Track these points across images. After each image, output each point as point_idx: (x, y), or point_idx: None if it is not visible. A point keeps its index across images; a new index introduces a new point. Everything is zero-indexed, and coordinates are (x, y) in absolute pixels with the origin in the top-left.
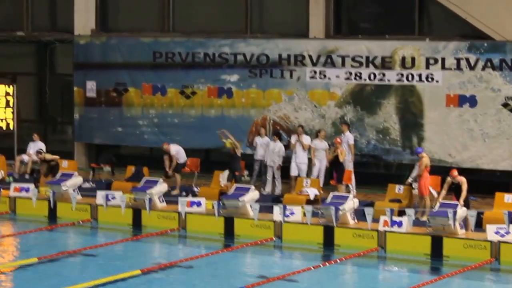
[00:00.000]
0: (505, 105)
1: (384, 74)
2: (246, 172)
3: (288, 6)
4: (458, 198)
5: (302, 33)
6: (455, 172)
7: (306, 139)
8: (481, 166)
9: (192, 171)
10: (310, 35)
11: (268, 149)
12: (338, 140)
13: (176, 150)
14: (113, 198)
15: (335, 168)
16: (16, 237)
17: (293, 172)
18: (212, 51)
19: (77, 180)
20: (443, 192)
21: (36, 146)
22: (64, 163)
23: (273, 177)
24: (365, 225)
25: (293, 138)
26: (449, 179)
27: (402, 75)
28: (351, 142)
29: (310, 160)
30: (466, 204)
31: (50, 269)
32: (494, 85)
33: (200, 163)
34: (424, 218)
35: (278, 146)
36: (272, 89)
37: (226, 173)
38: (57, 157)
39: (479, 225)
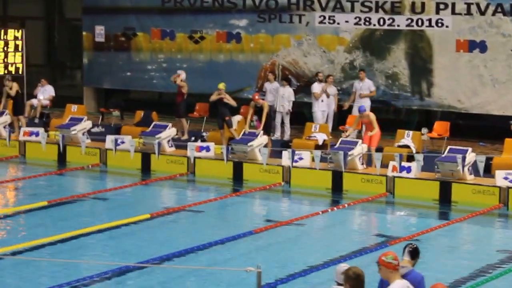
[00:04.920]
0: None
1: (393, 19)
2: (255, 117)
3: None
4: None
5: None
6: None
7: (331, 89)
8: (491, 112)
9: (201, 116)
10: None
11: (277, 95)
12: (256, 97)
13: None
14: (122, 142)
15: (258, 117)
16: (26, 180)
17: (319, 120)
18: None
19: (86, 124)
20: None
21: (44, 91)
22: (74, 108)
23: (282, 123)
24: (373, 170)
25: (319, 87)
26: None
27: (411, 20)
28: (373, 88)
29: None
30: None
31: (59, 212)
32: (504, 30)
33: (209, 108)
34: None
35: (288, 91)
36: (280, 34)
37: (236, 118)
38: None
39: (488, 171)
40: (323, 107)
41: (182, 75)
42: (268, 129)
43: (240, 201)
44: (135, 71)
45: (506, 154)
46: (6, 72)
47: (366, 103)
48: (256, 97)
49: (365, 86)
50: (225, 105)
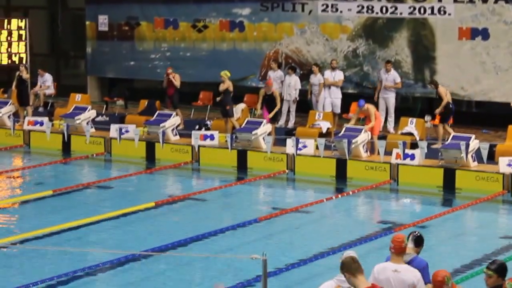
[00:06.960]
0: None
1: (396, 7)
2: (259, 106)
3: None
4: None
5: None
6: None
7: (339, 75)
8: (493, 99)
9: (204, 104)
10: None
11: (284, 83)
12: (270, 81)
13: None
14: (127, 131)
15: (266, 106)
16: (31, 170)
17: (328, 108)
18: None
19: (90, 113)
20: None
21: (45, 81)
22: (78, 97)
23: (288, 111)
24: (377, 158)
25: (331, 74)
26: None
27: (414, 8)
28: (398, 80)
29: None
30: None
31: (65, 201)
32: (506, 18)
33: (213, 96)
34: None
35: (294, 79)
36: (283, 22)
37: (240, 106)
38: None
39: (492, 158)
40: (334, 94)
41: (176, 76)
42: (275, 117)
43: (244, 189)
44: (139, 60)
45: (510, 141)
46: (10, 62)
47: (391, 94)
48: (270, 81)
49: (390, 78)
50: (228, 94)
